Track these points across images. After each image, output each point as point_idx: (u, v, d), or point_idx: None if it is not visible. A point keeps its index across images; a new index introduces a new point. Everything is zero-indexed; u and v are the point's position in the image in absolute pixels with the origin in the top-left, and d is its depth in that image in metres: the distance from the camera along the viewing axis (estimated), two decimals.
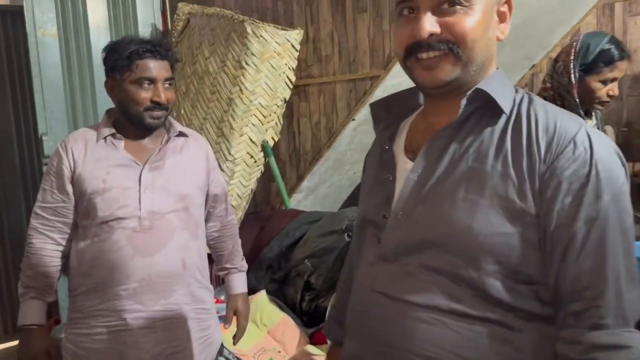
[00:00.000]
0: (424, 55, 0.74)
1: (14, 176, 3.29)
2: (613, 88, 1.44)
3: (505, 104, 0.75)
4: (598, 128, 1.54)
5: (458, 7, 0.73)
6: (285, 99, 2.31)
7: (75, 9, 2.71)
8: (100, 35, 2.80)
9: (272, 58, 2.19)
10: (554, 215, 0.70)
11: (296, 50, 2.23)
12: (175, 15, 2.62)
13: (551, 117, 0.74)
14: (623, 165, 0.74)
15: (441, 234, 0.74)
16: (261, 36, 2.14)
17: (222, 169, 2.25)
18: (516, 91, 0.79)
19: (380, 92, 2.18)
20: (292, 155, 2.58)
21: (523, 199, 0.70)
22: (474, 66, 0.75)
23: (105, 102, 2.76)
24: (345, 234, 1.85)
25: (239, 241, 1.53)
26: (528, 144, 0.72)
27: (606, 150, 0.72)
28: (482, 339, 0.72)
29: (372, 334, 0.80)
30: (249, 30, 2.13)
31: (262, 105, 2.25)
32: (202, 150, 1.36)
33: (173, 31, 2.67)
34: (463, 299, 0.73)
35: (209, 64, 2.31)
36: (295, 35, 2.22)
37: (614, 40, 1.44)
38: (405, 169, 0.80)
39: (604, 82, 1.43)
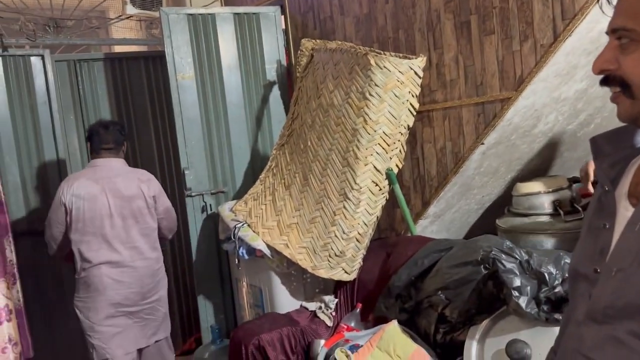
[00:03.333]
0: (606, 87, 0.71)
1: None
2: None
3: None
4: None
5: (629, 42, 0.67)
6: (408, 126, 2.30)
7: (210, 52, 2.96)
8: (231, 73, 3.02)
9: (395, 87, 2.20)
10: None
11: (419, 77, 2.22)
12: (298, 52, 2.75)
13: None
14: None
15: None
16: (384, 67, 2.17)
17: (348, 198, 2.29)
18: None
19: (512, 114, 2.09)
20: (416, 181, 2.55)
21: None
22: None
23: (237, 136, 2.98)
24: (482, 266, 1.78)
25: None
26: None
27: None
28: None
29: None
30: (372, 62, 2.16)
31: (385, 134, 2.26)
32: None
33: (297, 66, 2.80)
34: None
35: (334, 97, 2.38)
36: (419, 63, 2.21)
37: None
38: (626, 216, 0.72)
39: None
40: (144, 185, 2.50)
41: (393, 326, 2.06)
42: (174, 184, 3.51)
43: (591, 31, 1.85)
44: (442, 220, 2.52)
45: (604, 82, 0.71)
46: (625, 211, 0.72)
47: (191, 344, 3.49)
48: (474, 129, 2.19)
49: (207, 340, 2.85)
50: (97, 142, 2.46)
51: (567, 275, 0.82)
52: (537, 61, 1.88)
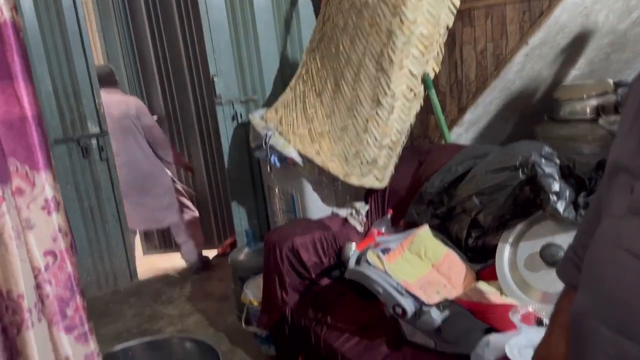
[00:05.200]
0: None
1: (190, 114, 3.64)
2: None
3: None
4: None
5: None
6: (448, 26, 2.18)
7: None
8: None
9: None
10: None
11: None
12: None
13: None
14: None
15: None
16: None
17: (381, 104, 2.24)
18: None
19: (560, 11, 1.95)
20: (453, 86, 2.46)
21: None
22: None
23: (266, 41, 2.89)
24: (520, 171, 1.74)
25: None
26: None
27: None
28: None
29: (610, 293, 0.74)
30: None
31: (423, 35, 2.15)
32: None
33: None
34: None
35: None
36: None
37: None
38: None
39: None
40: (130, 109, 3.27)
41: (424, 230, 2.08)
42: (203, 93, 3.49)
43: None
44: (478, 127, 2.45)
45: None
46: None
47: (226, 247, 3.65)
48: (518, 28, 2.06)
49: (242, 243, 2.95)
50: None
51: None
52: None
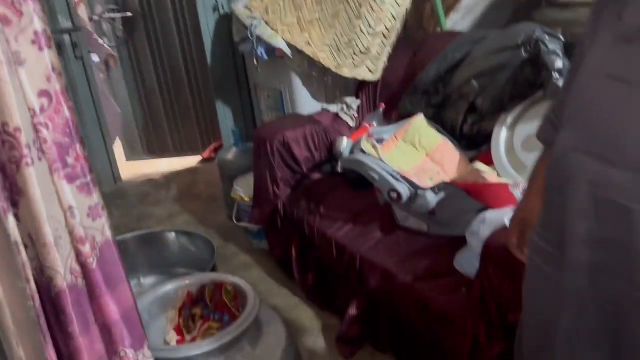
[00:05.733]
0: None
1: (166, 9, 3.38)
2: None
3: None
4: None
5: None
6: None
7: None
8: None
9: None
10: None
11: None
12: None
13: None
14: None
15: None
16: None
17: None
18: None
19: None
20: None
21: None
22: None
23: None
24: (522, 49, 1.68)
25: None
26: None
27: None
28: None
29: (596, 123, 0.73)
30: None
31: None
32: None
33: None
34: None
35: None
36: None
37: None
38: None
39: None
40: None
41: (419, 119, 2.04)
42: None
43: None
44: (475, 14, 2.34)
45: None
46: None
47: (211, 151, 3.58)
48: None
49: (229, 144, 2.89)
50: None
51: None
52: None
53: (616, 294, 0.75)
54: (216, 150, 3.50)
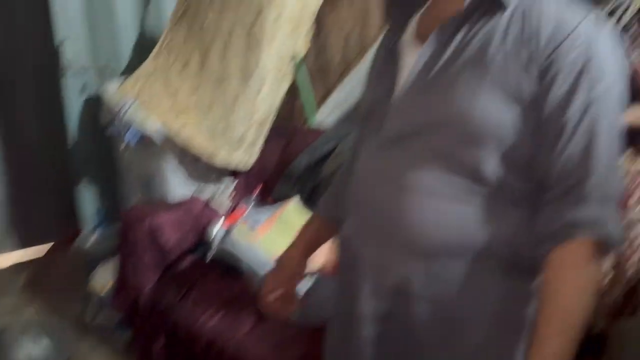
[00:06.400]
0: None
1: (28, 86, 3.17)
2: None
3: None
4: None
5: None
6: (316, 9, 2.22)
7: None
8: None
9: None
10: (551, 102, 0.75)
11: None
12: None
13: (555, 8, 0.77)
14: (620, 59, 0.79)
15: (442, 117, 0.79)
16: None
17: (250, 80, 2.20)
18: None
19: None
20: (319, 68, 2.52)
21: (521, 86, 0.75)
22: None
23: (125, 11, 2.67)
24: None
25: None
26: (530, 34, 0.76)
27: (606, 41, 0.77)
28: (472, 218, 0.79)
29: (370, 214, 0.87)
30: None
31: (292, 15, 2.17)
32: None
33: None
34: (459, 179, 0.78)
35: None
36: None
37: None
38: (411, 58, 0.85)
39: None
40: None
41: (294, 203, 2.09)
42: (45, 59, 3.10)
43: None
44: (343, 109, 2.54)
45: None
46: (409, 54, 0.86)
47: (68, 238, 3.27)
48: (381, 14, 2.18)
49: (89, 229, 2.68)
50: None
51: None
52: None
53: None
54: (73, 235, 3.22)
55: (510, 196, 0.79)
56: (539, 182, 0.79)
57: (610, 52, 0.77)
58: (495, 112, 0.76)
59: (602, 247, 0.75)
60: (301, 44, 2.25)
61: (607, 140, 0.75)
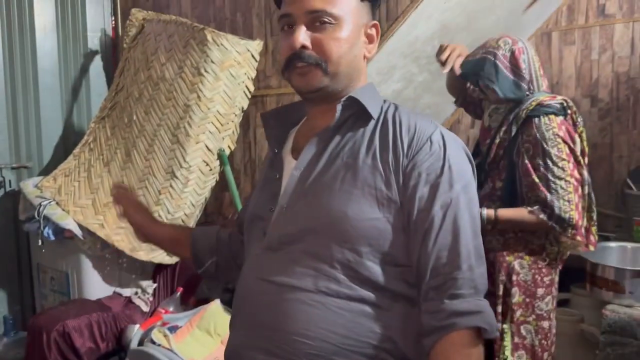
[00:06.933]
0: (299, 64, 0.86)
1: None
2: None
3: (374, 110, 0.89)
4: None
5: (327, 25, 0.86)
6: (243, 108, 2.31)
7: (21, 9, 2.61)
8: (46, 36, 2.71)
9: (232, 67, 2.20)
10: (416, 202, 0.82)
11: (256, 60, 2.25)
12: (127, 21, 2.57)
13: (412, 120, 0.87)
14: (470, 161, 0.89)
15: (320, 222, 0.83)
16: (221, 44, 2.15)
17: (176, 176, 2.21)
18: (384, 101, 0.93)
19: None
20: (247, 164, 2.57)
21: (389, 188, 0.83)
22: (341, 78, 0.88)
23: (49, 106, 2.66)
24: None
25: None
26: (394, 142, 0.85)
27: (456, 147, 0.87)
28: (356, 317, 0.82)
29: (256, 320, 0.87)
30: (209, 37, 2.13)
31: (219, 113, 2.24)
32: None
33: (125, 37, 2.62)
34: (340, 280, 0.82)
35: (165, 70, 2.28)
36: (256, 46, 2.24)
37: None
38: (290, 167, 0.91)
39: None
40: None
41: (215, 305, 2.04)
42: None
43: (409, 35, 2.09)
44: None
45: (297, 59, 0.86)
46: (289, 164, 0.93)
47: None
48: None
49: None
50: None
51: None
52: None
53: None
54: None
55: (390, 294, 0.83)
56: (416, 278, 0.84)
57: (460, 157, 0.86)
58: (368, 213, 0.82)
59: (481, 332, 0.80)
60: (228, 140, 2.31)
61: (470, 233, 0.82)
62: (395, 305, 0.84)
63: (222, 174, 2.32)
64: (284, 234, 0.86)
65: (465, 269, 0.80)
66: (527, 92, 1.61)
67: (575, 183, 1.54)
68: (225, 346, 0.93)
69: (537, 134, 1.56)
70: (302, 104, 0.99)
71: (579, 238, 1.58)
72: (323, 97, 0.89)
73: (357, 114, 0.89)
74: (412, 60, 2.19)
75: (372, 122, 0.88)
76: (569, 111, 1.61)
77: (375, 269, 0.83)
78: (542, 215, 1.54)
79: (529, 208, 1.56)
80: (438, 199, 0.82)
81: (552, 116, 1.56)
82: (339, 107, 0.87)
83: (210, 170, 2.28)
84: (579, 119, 1.62)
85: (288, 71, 0.88)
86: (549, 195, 1.52)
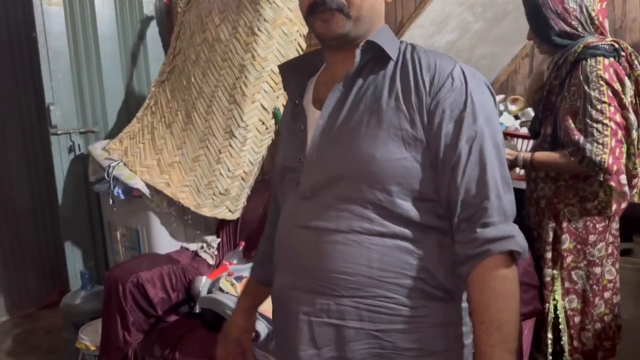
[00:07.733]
0: (321, 8, 0.88)
1: (18, 147, 3.27)
2: None
3: (392, 51, 0.90)
4: None
5: None
6: None
7: None
8: (104, 5, 2.80)
9: (284, 24, 2.21)
10: (442, 139, 0.85)
11: None
12: None
13: (431, 58, 0.89)
14: (491, 93, 0.91)
15: (350, 167, 0.87)
16: (274, 2, 2.16)
17: (234, 136, 2.28)
18: (401, 42, 0.95)
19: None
20: None
21: (414, 128, 0.85)
22: (364, 22, 0.90)
23: (111, 72, 2.78)
24: None
25: None
26: (415, 82, 0.87)
27: (477, 81, 0.88)
28: (390, 251, 0.86)
29: (298, 264, 0.93)
30: None
31: (273, 72, 2.27)
32: None
33: (179, 1, 2.67)
34: (372, 219, 0.86)
35: (220, 32, 2.32)
36: None
37: None
38: (315, 117, 0.94)
39: None
40: None
41: None
42: (35, 121, 3.19)
43: None
44: None
45: (320, 4, 0.88)
46: (313, 114, 0.95)
47: (55, 297, 3.25)
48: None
49: (76, 287, 2.67)
50: None
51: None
52: (415, 7, 2.02)
53: None
54: (60, 294, 3.19)
55: (422, 228, 0.87)
56: (446, 213, 0.87)
57: (482, 90, 0.88)
58: (395, 154, 0.85)
59: (514, 256, 0.85)
60: (283, 99, 2.35)
61: (496, 163, 0.85)
62: (428, 238, 0.88)
63: (277, 132, 2.37)
64: (315, 182, 0.90)
65: (493, 198, 0.84)
66: (582, 34, 1.56)
67: (614, 127, 1.49)
68: (272, 289, 1.01)
69: (581, 76, 1.52)
70: (317, 53, 1.02)
71: (612, 183, 1.55)
72: (345, 43, 0.91)
73: (375, 57, 0.91)
74: (467, 8, 2.13)
75: (392, 64, 0.90)
76: (622, 53, 1.55)
77: (406, 206, 0.86)
78: (573, 158, 1.51)
79: (564, 151, 1.54)
80: (463, 134, 0.84)
81: (600, 58, 1.51)
82: (357, 52, 0.89)
83: (267, 128, 2.34)
84: (636, 61, 1.56)
85: (311, 17, 0.91)
86: (581, 138, 1.50)
